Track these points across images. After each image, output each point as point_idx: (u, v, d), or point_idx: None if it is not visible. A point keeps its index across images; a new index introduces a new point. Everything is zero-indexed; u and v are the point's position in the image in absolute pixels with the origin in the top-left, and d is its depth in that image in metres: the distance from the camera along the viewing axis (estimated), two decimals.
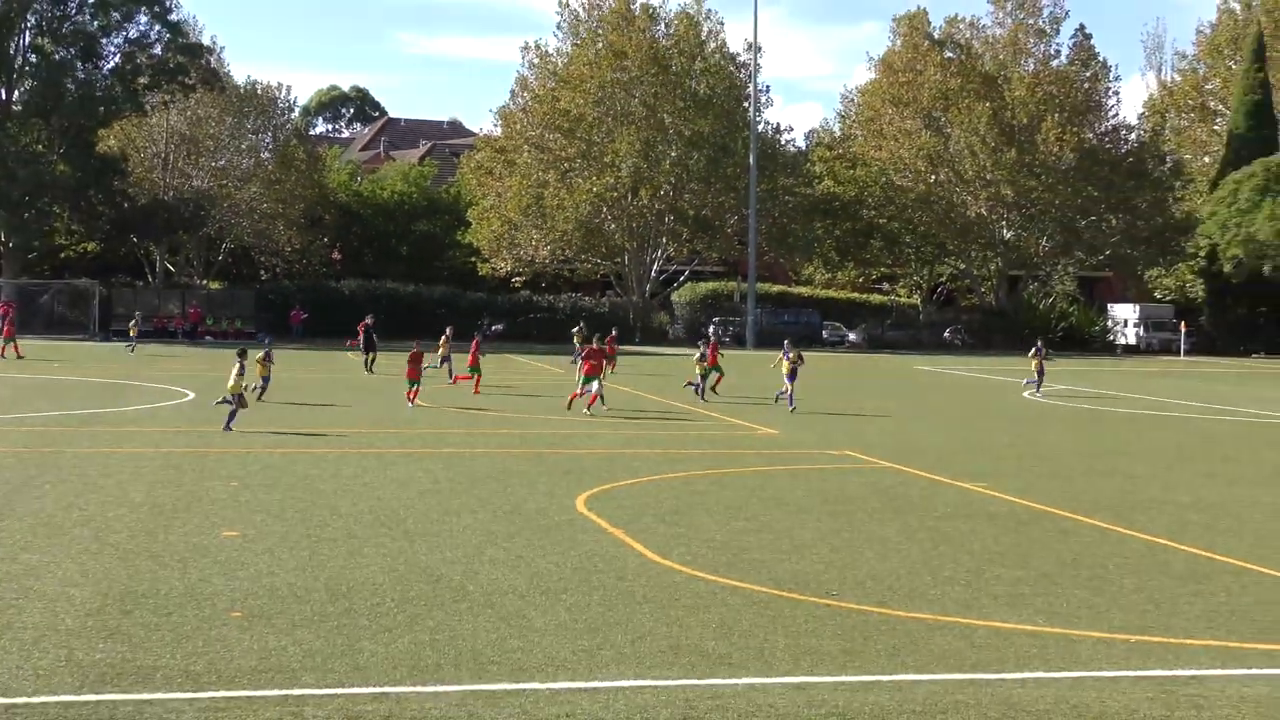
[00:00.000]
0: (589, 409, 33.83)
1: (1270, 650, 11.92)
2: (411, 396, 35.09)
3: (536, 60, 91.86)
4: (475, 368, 40.69)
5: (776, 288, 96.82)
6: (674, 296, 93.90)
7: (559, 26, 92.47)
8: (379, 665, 10.79)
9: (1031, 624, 12.66)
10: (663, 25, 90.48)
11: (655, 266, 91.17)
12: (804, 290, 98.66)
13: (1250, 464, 26.53)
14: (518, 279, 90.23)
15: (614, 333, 53.61)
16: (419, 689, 10.19)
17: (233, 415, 28.33)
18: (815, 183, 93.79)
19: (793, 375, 36.04)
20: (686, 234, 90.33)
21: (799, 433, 30.69)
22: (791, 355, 37.06)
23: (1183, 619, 13.05)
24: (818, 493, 21.15)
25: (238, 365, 28.96)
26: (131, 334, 62.86)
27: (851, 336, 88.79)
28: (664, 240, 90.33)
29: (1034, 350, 46.31)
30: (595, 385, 34.44)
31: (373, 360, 48.26)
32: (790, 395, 36.15)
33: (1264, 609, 13.55)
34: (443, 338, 46.02)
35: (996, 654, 11.60)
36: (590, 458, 25.34)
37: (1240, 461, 26.92)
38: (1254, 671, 11.22)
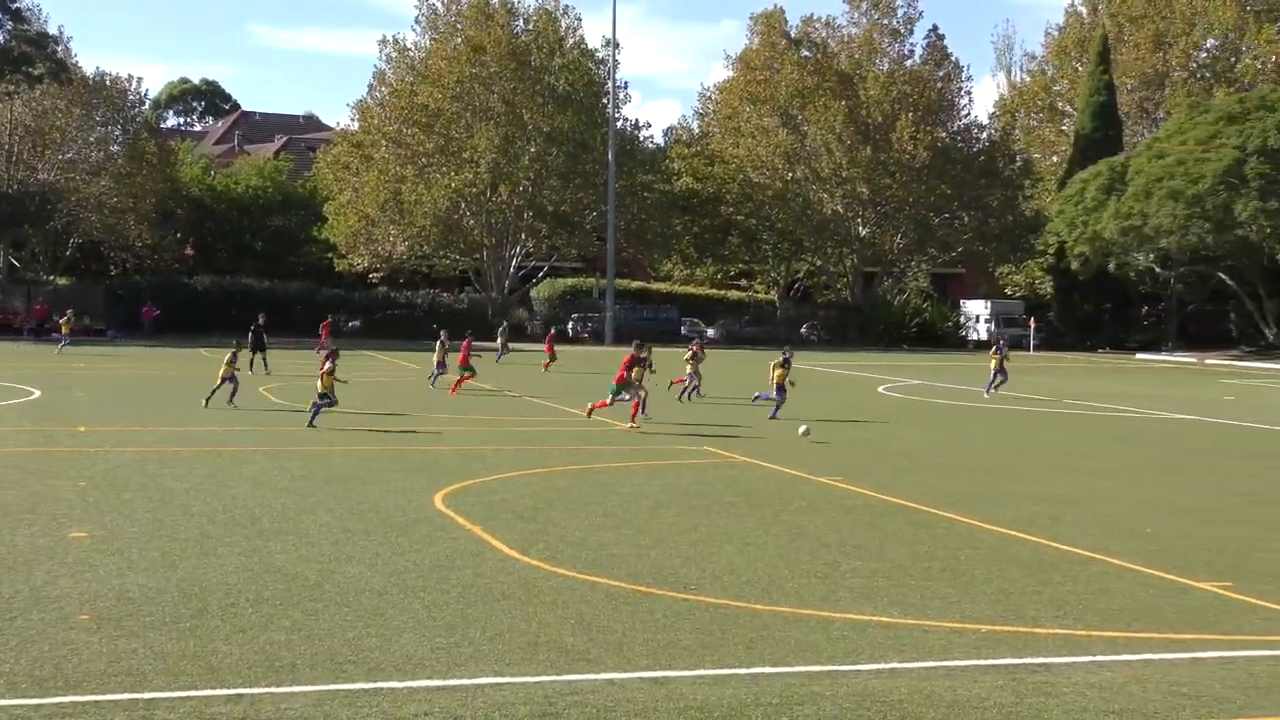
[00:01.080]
0: (634, 423, 30.72)
1: (1113, 637, 12.21)
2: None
3: (394, 54, 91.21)
4: (467, 367, 40.92)
5: (635, 284, 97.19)
6: (533, 293, 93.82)
7: (417, 21, 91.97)
8: (233, 666, 10.63)
9: (886, 615, 12.83)
10: (522, 21, 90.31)
11: (514, 263, 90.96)
12: (663, 287, 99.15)
13: (1097, 457, 27.14)
14: (375, 275, 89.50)
15: (552, 331, 54.14)
16: (274, 690, 10.05)
17: (316, 411, 29.70)
18: (674, 179, 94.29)
19: (781, 388, 33.97)
20: (545, 230, 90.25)
21: (659, 429, 30.79)
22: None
23: (1031, 608, 13.31)
24: (677, 488, 21.24)
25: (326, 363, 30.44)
26: None
27: (710, 333, 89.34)
28: (523, 236, 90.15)
29: (995, 348, 44.53)
30: (627, 395, 31.31)
31: (263, 360, 46.76)
32: (778, 405, 34.01)
33: (1108, 597, 13.87)
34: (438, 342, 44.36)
35: (852, 645, 11.74)
36: (449, 455, 25.20)
37: (1087, 455, 27.52)
38: (1099, 658, 11.48)
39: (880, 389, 45.79)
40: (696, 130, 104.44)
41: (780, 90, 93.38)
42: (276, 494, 19.63)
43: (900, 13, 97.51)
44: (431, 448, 26.39)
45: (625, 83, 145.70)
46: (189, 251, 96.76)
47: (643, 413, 31.44)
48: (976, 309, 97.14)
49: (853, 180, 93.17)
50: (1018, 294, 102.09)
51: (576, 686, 10.30)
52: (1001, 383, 43.27)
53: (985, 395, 42.87)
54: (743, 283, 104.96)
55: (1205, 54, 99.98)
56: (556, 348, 55.62)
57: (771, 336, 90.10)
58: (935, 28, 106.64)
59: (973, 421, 35.36)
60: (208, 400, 33.20)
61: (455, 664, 10.86)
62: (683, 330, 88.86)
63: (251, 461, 23.35)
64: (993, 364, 43.52)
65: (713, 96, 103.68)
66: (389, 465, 23.34)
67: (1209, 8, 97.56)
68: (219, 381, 33.88)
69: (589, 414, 31.79)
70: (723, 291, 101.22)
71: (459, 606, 12.82)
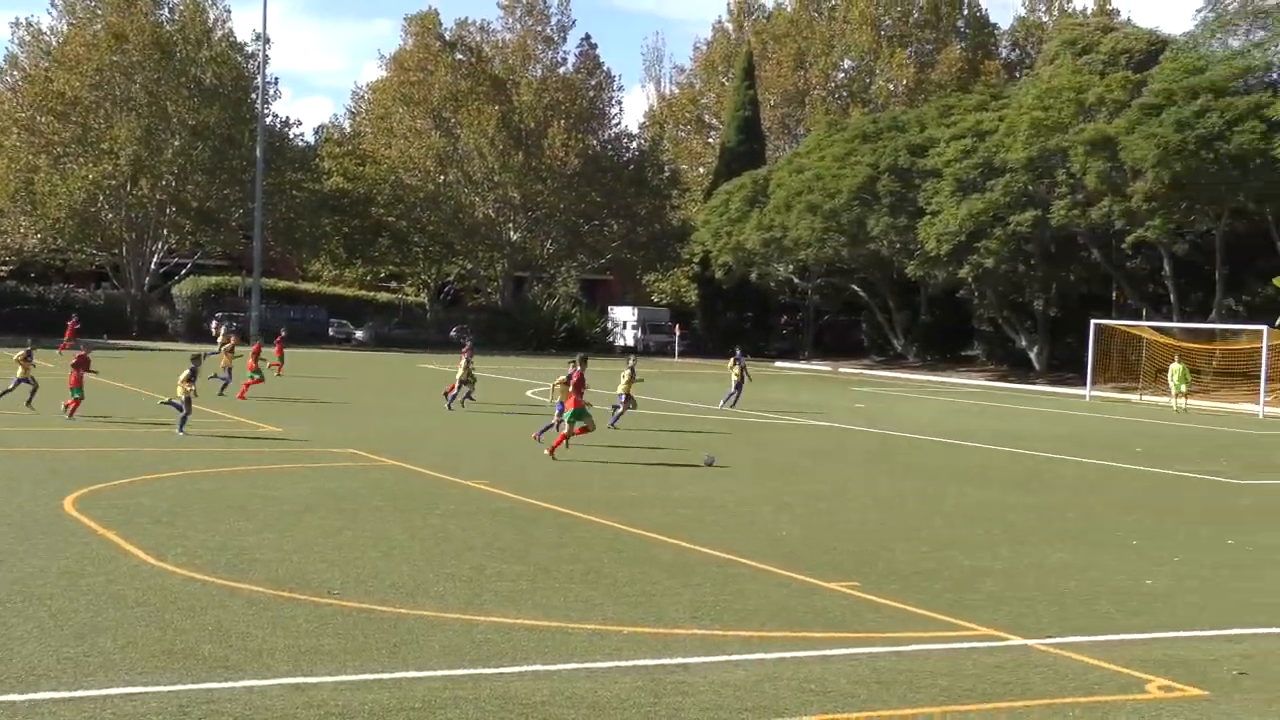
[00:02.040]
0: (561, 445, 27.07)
1: (748, 637, 12.58)
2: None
3: (28, 38, 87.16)
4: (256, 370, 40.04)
5: (283, 284, 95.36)
6: (175, 290, 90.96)
7: (54, 4, 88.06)
8: None
9: (531, 618, 12.92)
10: (166, 10, 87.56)
11: (155, 259, 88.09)
12: (311, 287, 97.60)
13: (736, 461, 27.89)
14: (3, 268, 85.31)
15: (282, 333, 52.03)
16: None
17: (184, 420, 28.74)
18: (324, 179, 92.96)
19: (739, 385, 37.46)
20: (189, 226, 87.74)
21: (304, 431, 30.27)
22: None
23: (671, 610, 13.61)
24: (322, 491, 20.92)
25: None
26: None
27: (358, 334, 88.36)
28: (165, 232, 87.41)
29: (734, 359, 43.52)
30: (582, 422, 26.91)
31: None
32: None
33: (743, 598, 14.29)
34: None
35: (496, 649, 11.77)
36: (79, 457, 24.20)
37: (723, 457, 28.26)
38: (734, 657, 11.81)
39: (529, 392, 46.12)
40: (348, 130, 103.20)
41: (434, 92, 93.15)
42: None
43: (554, 20, 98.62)
44: (62, 449, 25.29)
45: (275, 78, 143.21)
46: None
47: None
48: (624, 315, 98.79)
49: (504, 185, 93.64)
50: (664, 301, 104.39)
51: (214, 695, 10.03)
52: (736, 398, 42.29)
53: (724, 406, 42.00)
54: (393, 285, 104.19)
55: (843, 74, 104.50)
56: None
57: (421, 339, 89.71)
58: (588, 37, 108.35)
59: (619, 426, 35.91)
60: None
61: (84, 674, 10.43)
62: (330, 332, 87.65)
63: None
64: (734, 376, 42.78)
65: (365, 96, 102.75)
66: (12, 467, 22.26)
67: (846, 31, 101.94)
68: (12, 384, 32.67)
69: (552, 453, 26.57)
70: (372, 293, 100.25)
71: (89, 614, 12.31)
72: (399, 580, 14.47)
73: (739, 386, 42.48)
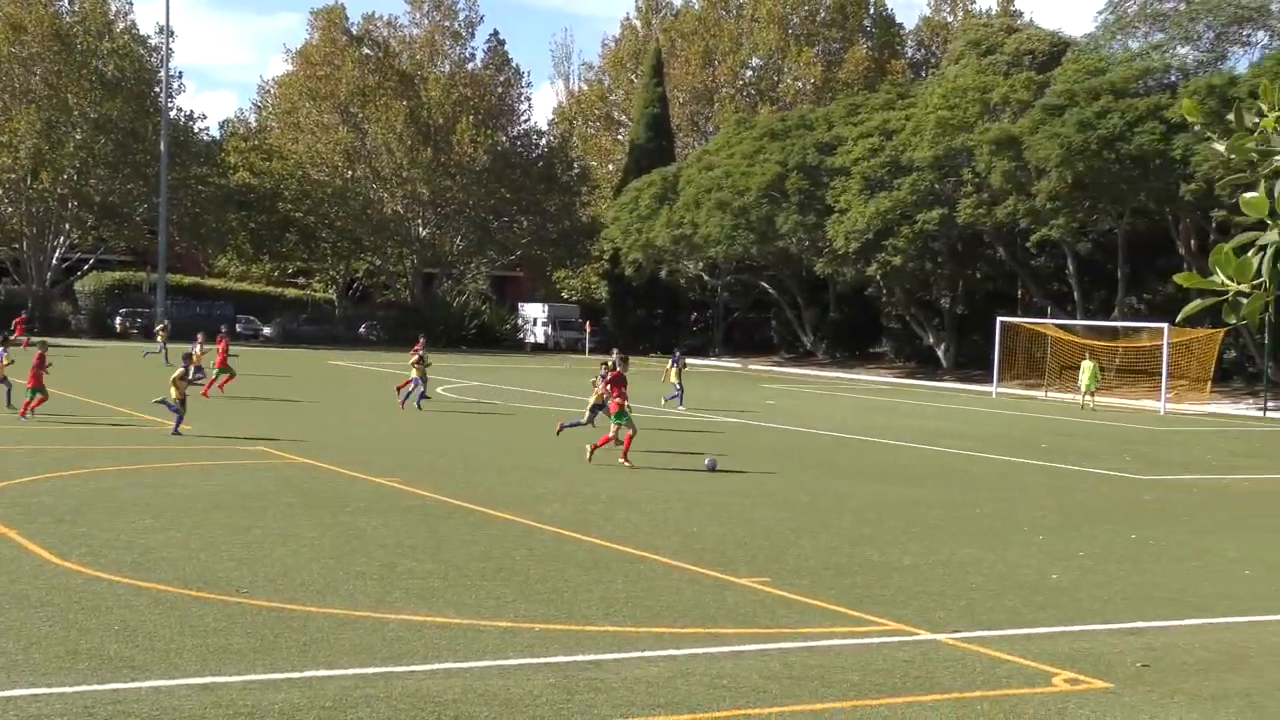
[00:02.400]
0: (627, 458, 26.04)
1: (660, 633, 12.61)
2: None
3: None
4: (225, 368, 39.80)
5: (189, 279, 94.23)
6: (78, 286, 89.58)
7: None
8: None
9: (442, 616, 12.86)
10: (66, 1, 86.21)
11: (57, 254, 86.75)
12: (217, 283, 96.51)
13: (648, 457, 27.87)
14: None
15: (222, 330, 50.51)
16: None
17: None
18: (230, 173, 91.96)
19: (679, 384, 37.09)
20: (92, 221, 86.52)
21: (212, 428, 29.95)
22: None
23: (584, 606, 13.61)
24: (230, 489, 20.71)
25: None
26: None
27: (266, 331, 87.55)
28: (67, 227, 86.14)
29: (672, 360, 44.18)
30: (628, 425, 26.21)
31: None
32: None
33: (655, 595, 14.32)
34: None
35: (408, 647, 11.71)
36: None
37: (641, 450, 28.24)
38: (646, 654, 11.83)
39: (440, 390, 45.91)
40: (254, 124, 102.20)
41: (341, 87, 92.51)
42: None
43: (462, 15, 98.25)
44: None
45: (179, 72, 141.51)
46: None
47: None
48: (534, 312, 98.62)
49: (413, 181, 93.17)
50: (574, 298, 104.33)
51: (120, 695, 9.90)
52: (676, 396, 42.35)
53: (676, 406, 41.85)
54: (300, 281, 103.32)
55: (751, 72, 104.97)
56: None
57: (330, 336, 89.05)
58: (496, 33, 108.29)
59: (530, 422, 35.88)
60: None
61: None
62: (238, 329, 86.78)
63: None
64: (673, 376, 43.33)
65: (272, 91, 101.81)
66: None
67: (754, 29, 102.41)
68: None
69: (589, 456, 26.24)
70: (280, 289, 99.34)
71: None
72: (308, 578, 14.35)
73: (680, 385, 42.95)
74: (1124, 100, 60.17)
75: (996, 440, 35.78)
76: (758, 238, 76.49)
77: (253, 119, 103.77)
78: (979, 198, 66.06)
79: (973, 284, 76.47)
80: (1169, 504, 24.03)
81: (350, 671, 10.85)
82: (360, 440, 29.04)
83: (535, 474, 24.48)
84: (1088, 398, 51.95)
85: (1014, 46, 73.50)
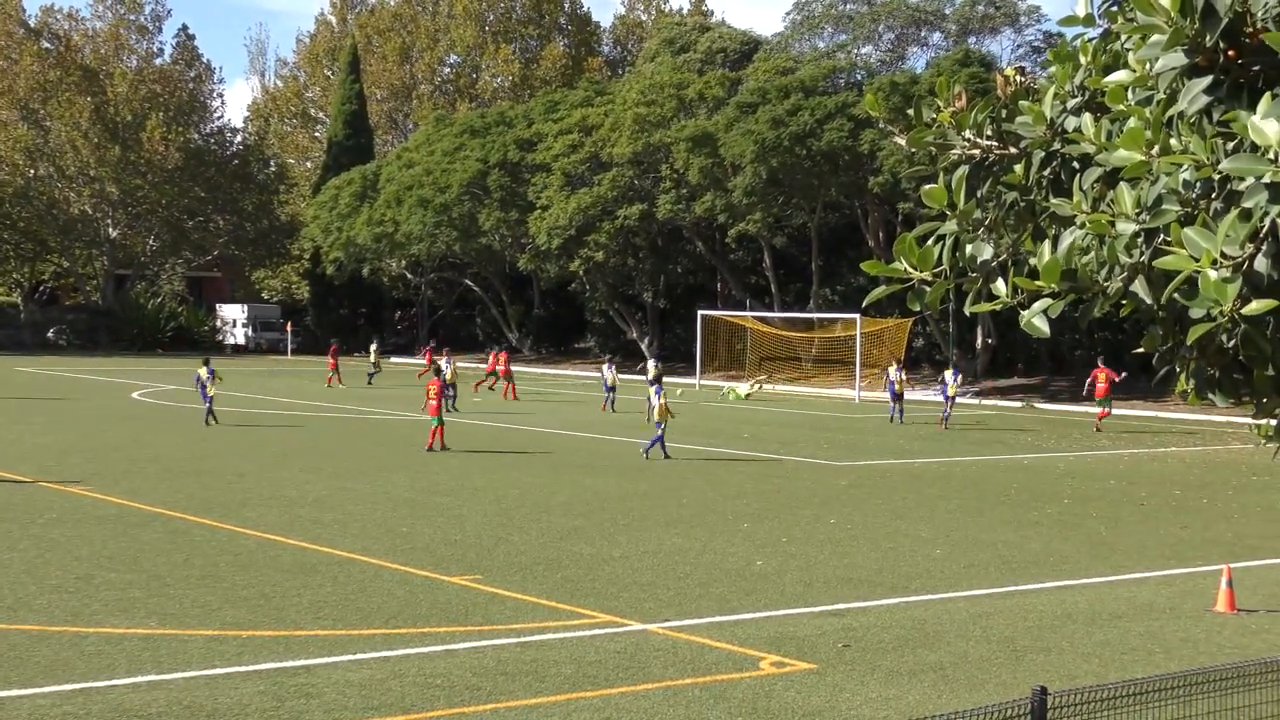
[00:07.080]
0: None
1: (372, 635, 12.50)
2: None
3: None
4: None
5: None
6: None
7: None
8: None
9: (144, 627, 12.49)
10: None
11: None
12: None
13: (349, 458, 27.61)
14: None
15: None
16: None
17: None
18: None
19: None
20: None
21: None
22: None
23: (293, 611, 13.38)
24: None
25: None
26: None
27: None
28: None
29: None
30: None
31: None
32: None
33: (366, 596, 14.19)
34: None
35: (108, 661, 11.33)
36: None
37: (339, 456, 27.95)
38: (358, 656, 11.72)
39: (134, 394, 44.45)
40: None
41: (20, 83, 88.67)
42: None
43: (148, 9, 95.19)
44: None
45: None
46: None
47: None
48: (233, 313, 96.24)
49: (101, 180, 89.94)
50: (275, 298, 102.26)
51: None
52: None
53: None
54: None
55: (449, 69, 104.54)
56: None
57: (15, 341, 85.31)
58: (185, 27, 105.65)
59: (228, 428, 35.01)
60: None
61: None
62: None
63: None
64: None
65: None
66: None
67: (451, 25, 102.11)
68: None
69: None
70: None
71: None
72: None
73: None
74: (814, 98, 61.94)
75: (698, 431, 36.43)
76: (460, 235, 76.23)
77: None
78: (678, 193, 67.16)
79: (674, 278, 77.78)
80: (865, 488, 24.87)
81: (46, 689, 10.44)
82: (47, 449, 27.89)
83: (233, 478, 23.91)
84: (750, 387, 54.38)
85: (707, 45, 74.95)
